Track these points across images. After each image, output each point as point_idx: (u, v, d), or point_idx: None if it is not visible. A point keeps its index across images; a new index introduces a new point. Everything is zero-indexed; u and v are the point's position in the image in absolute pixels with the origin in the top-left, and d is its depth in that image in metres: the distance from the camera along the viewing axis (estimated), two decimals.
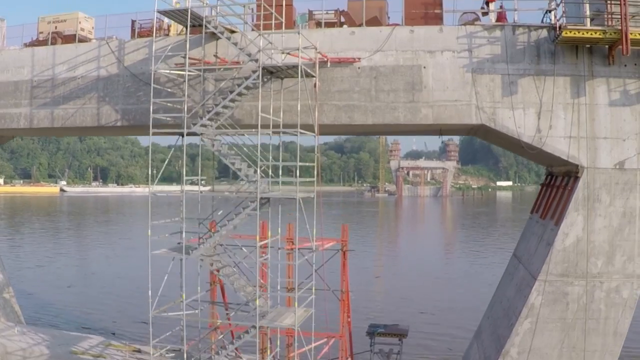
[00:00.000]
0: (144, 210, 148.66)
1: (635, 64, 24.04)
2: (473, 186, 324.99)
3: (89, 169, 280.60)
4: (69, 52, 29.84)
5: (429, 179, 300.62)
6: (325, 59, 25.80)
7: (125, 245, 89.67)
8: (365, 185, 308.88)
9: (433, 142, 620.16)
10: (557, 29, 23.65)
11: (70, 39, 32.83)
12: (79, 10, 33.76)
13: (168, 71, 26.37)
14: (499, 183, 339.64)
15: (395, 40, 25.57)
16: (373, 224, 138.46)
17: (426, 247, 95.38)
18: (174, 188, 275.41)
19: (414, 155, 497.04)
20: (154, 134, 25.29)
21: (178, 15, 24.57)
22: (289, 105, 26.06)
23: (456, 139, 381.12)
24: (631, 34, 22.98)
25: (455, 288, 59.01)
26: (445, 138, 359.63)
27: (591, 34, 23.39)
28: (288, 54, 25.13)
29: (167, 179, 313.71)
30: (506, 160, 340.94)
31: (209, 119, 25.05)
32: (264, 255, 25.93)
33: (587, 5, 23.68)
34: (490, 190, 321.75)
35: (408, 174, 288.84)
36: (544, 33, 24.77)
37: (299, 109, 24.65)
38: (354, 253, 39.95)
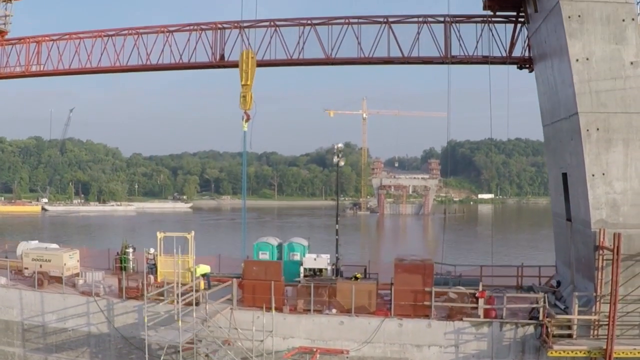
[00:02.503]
0: (129, 229, 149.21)
1: None
2: (455, 199, 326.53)
3: (70, 184, 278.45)
4: (57, 303, 30.18)
5: (411, 192, 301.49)
6: (315, 350, 26.36)
7: None
8: (347, 199, 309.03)
9: (415, 149, 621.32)
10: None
11: (56, 279, 33.57)
12: None
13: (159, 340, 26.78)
14: (480, 196, 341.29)
15: (384, 332, 26.18)
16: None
17: None
18: (157, 205, 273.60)
19: (394, 162, 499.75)
20: None
21: None
22: None
23: (438, 151, 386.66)
24: (615, 352, 23.79)
25: None
26: (427, 148, 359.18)
27: (576, 354, 24.18)
28: None
29: (148, 194, 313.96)
30: (487, 172, 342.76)
31: None
32: None
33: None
34: (472, 203, 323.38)
35: (390, 188, 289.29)
36: (530, 329, 25.51)
37: None
38: None
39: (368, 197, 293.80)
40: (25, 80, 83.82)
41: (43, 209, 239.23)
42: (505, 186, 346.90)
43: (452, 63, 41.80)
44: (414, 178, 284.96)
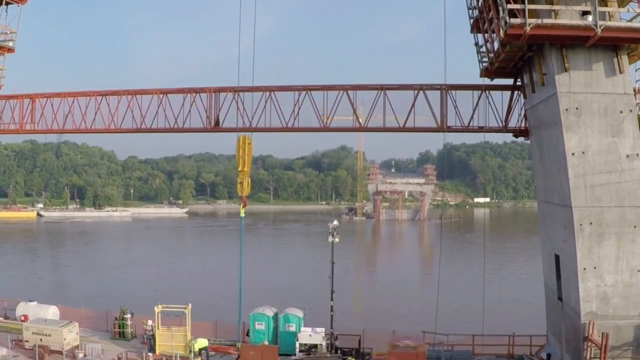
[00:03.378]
0: (123, 237, 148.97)
1: None
2: (451, 203, 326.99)
3: (65, 188, 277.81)
4: None
5: (406, 196, 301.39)
6: None
7: None
8: (342, 203, 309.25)
9: (411, 151, 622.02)
10: None
11: (57, 352, 33.87)
12: None
13: None
14: (476, 199, 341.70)
15: None
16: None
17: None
18: (153, 210, 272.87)
19: (391, 164, 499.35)
20: None
21: None
22: None
23: (434, 154, 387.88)
24: None
25: None
26: (422, 150, 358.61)
27: None
28: None
29: (144, 198, 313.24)
30: (483, 176, 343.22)
31: None
32: None
33: None
34: (467, 207, 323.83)
35: (387, 193, 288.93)
36: None
37: None
38: None
39: (364, 201, 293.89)
40: None
41: (38, 214, 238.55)
42: (501, 190, 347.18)
43: (449, 132, 41.68)
44: (410, 183, 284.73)
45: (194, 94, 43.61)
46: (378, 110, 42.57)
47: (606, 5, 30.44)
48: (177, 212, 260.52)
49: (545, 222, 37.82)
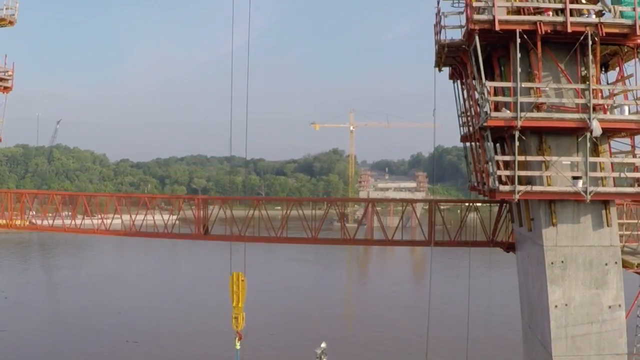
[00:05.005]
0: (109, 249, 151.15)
1: None
2: (442, 207, 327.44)
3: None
4: None
5: (399, 197, 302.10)
6: None
7: None
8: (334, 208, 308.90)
9: (403, 152, 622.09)
10: None
11: None
12: None
13: None
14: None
15: None
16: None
17: None
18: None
19: (383, 165, 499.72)
20: None
21: None
22: None
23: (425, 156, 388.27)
24: None
25: None
26: (414, 153, 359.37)
27: None
28: None
29: (135, 204, 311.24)
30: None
31: None
32: None
33: None
34: (459, 212, 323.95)
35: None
36: None
37: None
38: None
39: (355, 206, 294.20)
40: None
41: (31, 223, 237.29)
42: None
43: (436, 246, 41.93)
44: (402, 190, 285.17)
45: (182, 201, 43.79)
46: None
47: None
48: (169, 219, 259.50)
49: (528, 346, 38.12)
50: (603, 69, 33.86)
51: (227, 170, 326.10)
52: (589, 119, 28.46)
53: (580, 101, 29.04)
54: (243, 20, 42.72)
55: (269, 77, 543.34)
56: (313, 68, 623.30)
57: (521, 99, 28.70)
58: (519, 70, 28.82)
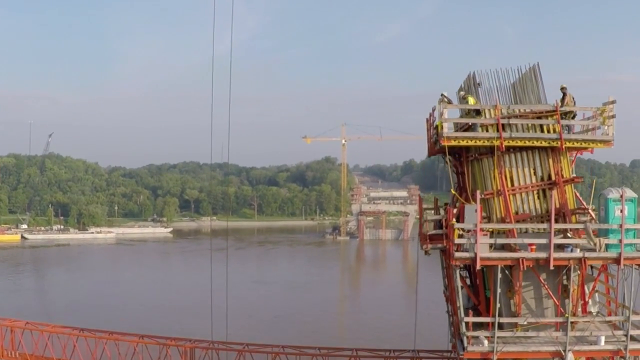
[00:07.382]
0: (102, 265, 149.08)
1: None
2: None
3: (49, 206, 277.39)
4: None
5: (391, 210, 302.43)
6: None
7: None
8: (327, 218, 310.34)
9: (396, 157, 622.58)
10: None
11: None
12: None
13: None
14: None
15: None
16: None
17: None
18: (137, 230, 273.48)
19: (375, 170, 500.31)
20: None
21: None
22: None
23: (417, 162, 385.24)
24: None
25: None
26: (407, 159, 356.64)
27: None
28: None
29: (128, 215, 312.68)
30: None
31: None
32: None
33: None
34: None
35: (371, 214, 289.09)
36: None
37: None
38: None
39: (348, 215, 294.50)
40: None
41: (22, 237, 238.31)
42: None
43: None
44: (393, 203, 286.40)
45: (168, 348, 44.13)
46: None
47: None
48: (162, 231, 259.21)
49: None
50: None
51: (219, 180, 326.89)
52: (564, 350, 27.41)
53: (558, 334, 27.84)
54: (235, 21, 43.72)
55: (262, 79, 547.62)
56: (306, 68, 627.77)
57: (499, 334, 27.34)
58: (498, 290, 27.54)
